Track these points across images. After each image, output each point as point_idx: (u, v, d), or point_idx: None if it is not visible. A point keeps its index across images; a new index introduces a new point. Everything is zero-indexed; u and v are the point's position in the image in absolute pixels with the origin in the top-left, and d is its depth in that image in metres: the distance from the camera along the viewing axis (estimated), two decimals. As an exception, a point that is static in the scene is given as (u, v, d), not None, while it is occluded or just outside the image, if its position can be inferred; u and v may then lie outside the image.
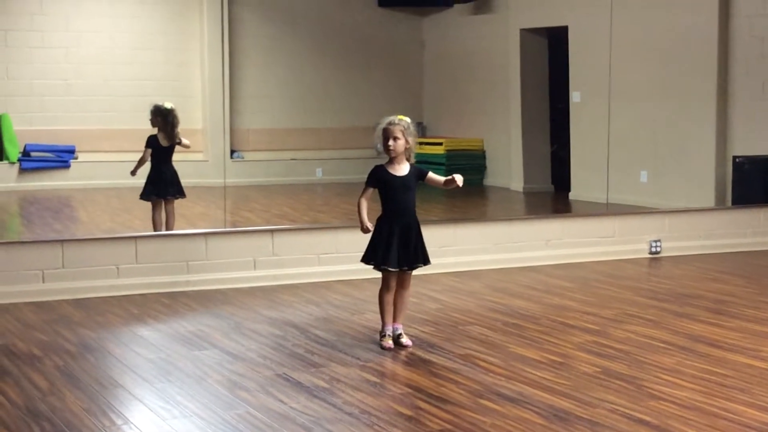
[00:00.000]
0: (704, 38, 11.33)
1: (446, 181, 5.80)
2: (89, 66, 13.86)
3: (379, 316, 5.86)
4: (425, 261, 5.84)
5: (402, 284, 5.81)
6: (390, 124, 5.72)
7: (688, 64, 11.55)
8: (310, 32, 15.10)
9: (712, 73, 11.29)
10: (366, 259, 5.80)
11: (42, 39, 13.68)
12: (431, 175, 5.83)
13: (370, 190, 5.80)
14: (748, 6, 11.10)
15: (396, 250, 5.69)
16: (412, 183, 5.78)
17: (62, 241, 7.32)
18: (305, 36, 15.08)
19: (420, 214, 5.87)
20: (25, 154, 13.23)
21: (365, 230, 5.76)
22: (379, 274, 5.84)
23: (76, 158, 13.44)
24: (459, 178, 5.74)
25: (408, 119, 5.79)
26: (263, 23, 14.91)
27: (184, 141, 8.74)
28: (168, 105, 8.71)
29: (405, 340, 5.79)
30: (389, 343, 5.76)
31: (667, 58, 11.79)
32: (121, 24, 14.11)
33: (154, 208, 8.77)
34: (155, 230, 8.66)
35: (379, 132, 5.76)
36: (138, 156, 8.77)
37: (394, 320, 5.84)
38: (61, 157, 13.32)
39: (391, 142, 5.69)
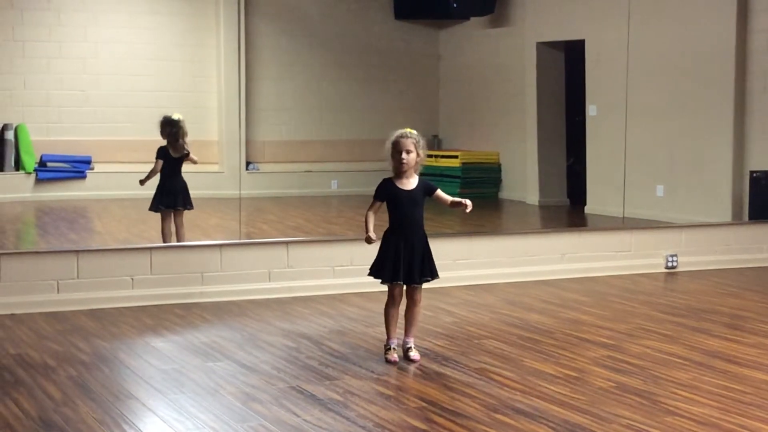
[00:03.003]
0: (721, 53, 11.29)
1: (453, 202, 5.79)
2: (106, 77, 13.92)
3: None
4: (432, 275, 5.81)
5: (412, 299, 5.79)
6: (402, 136, 5.69)
7: (705, 78, 11.51)
8: (326, 45, 15.12)
9: (729, 88, 11.25)
10: (374, 273, 5.78)
11: (60, 50, 13.75)
12: (439, 192, 5.81)
13: (378, 203, 5.77)
14: (765, 21, 11.06)
15: (403, 264, 5.67)
16: (419, 197, 5.75)
17: (77, 252, 7.33)
18: (322, 48, 15.11)
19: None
20: (42, 164, 13.29)
21: (368, 240, 5.69)
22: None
23: (93, 169, 13.48)
24: (469, 203, 5.74)
25: (416, 132, 5.78)
26: (280, 36, 14.94)
27: (193, 156, 8.73)
28: (175, 116, 8.70)
29: (414, 354, 5.76)
30: (394, 356, 5.74)
31: (684, 73, 11.75)
32: (139, 35, 14.17)
33: (164, 220, 8.77)
34: (164, 242, 8.67)
35: (389, 145, 5.72)
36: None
37: (405, 334, 5.82)
38: (77, 168, 13.36)
39: (404, 155, 5.66)
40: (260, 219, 11.90)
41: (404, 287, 5.76)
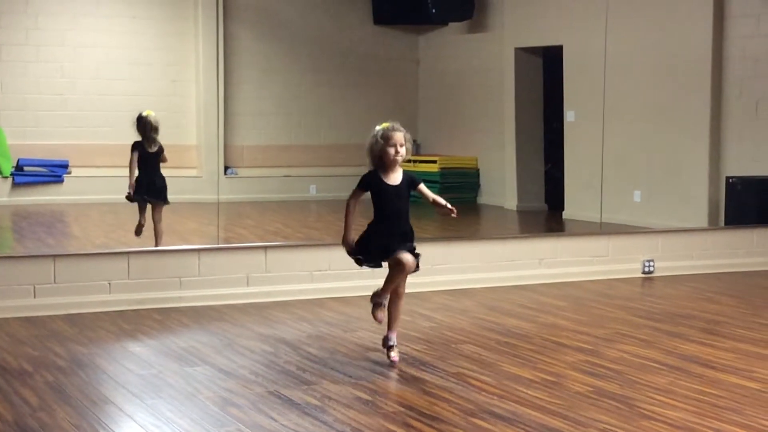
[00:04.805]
0: (698, 59, 11.36)
1: (434, 200, 5.78)
2: (84, 81, 13.86)
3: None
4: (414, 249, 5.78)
5: (396, 292, 5.77)
6: (394, 130, 5.65)
7: (682, 84, 11.59)
8: (305, 49, 15.11)
9: (706, 94, 11.32)
10: (361, 254, 5.75)
11: (37, 53, 13.69)
12: (422, 187, 5.78)
13: (361, 192, 5.70)
14: (741, 27, 11.14)
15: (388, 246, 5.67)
16: (405, 192, 5.73)
17: (54, 256, 7.30)
18: (300, 53, 15.10)
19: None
20: (19, 168, 13.21)
21: (347, 244, 5.67)
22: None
23: (70, 173, 13.42)
24: (450, 207, 5.75)
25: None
26: (258, 40, 14.93)
27: (164, 154, 8.96)
28: (145, 113, 8.95)
29: (394, 354, 5.76)
30: (381, 315, 5.73)
31: (662, 79, 11.82)
32: (117, 39, 14.11)
33: (140, 212, 8.95)
34: (136, 233, 8.93)
35: (379, 137, 5.65)
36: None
37: (389, 328, 5.81)
38: (54, 172, 13.30)
39: (399, 148, 5.65)
40: (239, 224, 11.88)
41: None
